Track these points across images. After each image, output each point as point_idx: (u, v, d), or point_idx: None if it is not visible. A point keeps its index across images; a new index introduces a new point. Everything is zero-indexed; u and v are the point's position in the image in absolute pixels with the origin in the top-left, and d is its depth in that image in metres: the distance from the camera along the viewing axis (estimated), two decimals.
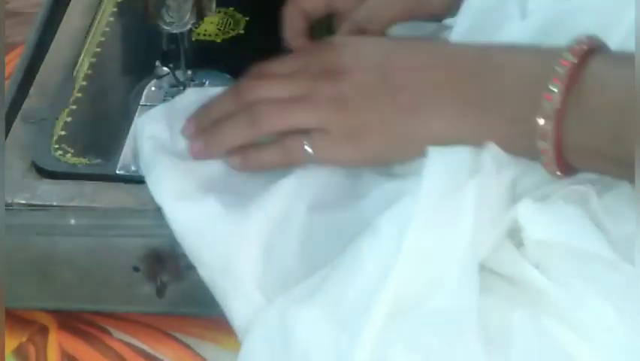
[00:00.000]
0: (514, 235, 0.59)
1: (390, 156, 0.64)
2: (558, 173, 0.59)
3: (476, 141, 0.60)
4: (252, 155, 0.67)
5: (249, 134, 0.66)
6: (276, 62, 0.69)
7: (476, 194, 0.57)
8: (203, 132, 0.68)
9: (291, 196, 0.63)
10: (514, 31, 0.67)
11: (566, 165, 0.59)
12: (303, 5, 0.77)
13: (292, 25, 0.77)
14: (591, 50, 0.58)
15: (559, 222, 0.58)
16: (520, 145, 0.60)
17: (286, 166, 0.65)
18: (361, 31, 0.74)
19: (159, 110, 0.72)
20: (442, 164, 0.59)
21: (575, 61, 0.57)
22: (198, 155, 0.67)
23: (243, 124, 0.66)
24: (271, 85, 0.66)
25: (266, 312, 0.58)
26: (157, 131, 0.69)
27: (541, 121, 0.58)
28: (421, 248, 0.55)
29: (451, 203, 0.57)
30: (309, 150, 0.64)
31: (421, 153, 0.61)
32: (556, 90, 0.57)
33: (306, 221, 0.62)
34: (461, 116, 0.61)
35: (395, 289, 0.54)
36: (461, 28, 0.70)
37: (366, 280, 0.55)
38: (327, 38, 0.71)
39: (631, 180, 0.57)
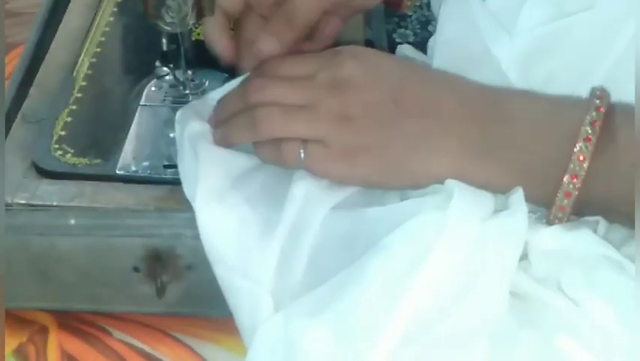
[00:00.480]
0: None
1: (383, 181, 0.62)
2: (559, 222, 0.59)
3: (477, 186, 0.59)
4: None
5: (249, 137, 0.65)
6: (288, 60, 0.67)
7: (499, 228, 0.56)
8: (217, 127, 0.67)
9: (311, 205, 0.62)
10: (504, 51, 0.66)
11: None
12: (221, 4, 0.72)
13: (214, 26, 0.73)
14: (610, 106, 0.58)
15: (564, 231, 0.58)
16: (528, 195, 0.58)
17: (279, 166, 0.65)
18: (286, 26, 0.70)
19: (195, 105, 0.71)
20: (469, 194, 0.58)
21: (601, 120, 0.57)
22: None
23: (245, 126, 0.65)
24: (277, 88, 0.65)
25: (272, 321, 0.58)
26: (197, 127, 0.68)
27: (567, 180, 0.57)
28: (439, 272, 0.55)
29: (474, 234, 0.56)
30: (302, 158, 0.63)
31: (412, 186, 0.61)
32: (586, 150, 0.57)
33: (320, 230, 0.61)
34: (465, 157, 0.60)
35: (408, 311, 0.54)
36: (449, 55, 0.69)
37: (374, 301, 0.54)
38: (343, 47, 0.66)
39: (625, 223, 0.58)
